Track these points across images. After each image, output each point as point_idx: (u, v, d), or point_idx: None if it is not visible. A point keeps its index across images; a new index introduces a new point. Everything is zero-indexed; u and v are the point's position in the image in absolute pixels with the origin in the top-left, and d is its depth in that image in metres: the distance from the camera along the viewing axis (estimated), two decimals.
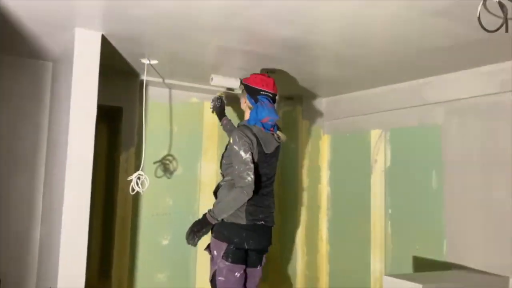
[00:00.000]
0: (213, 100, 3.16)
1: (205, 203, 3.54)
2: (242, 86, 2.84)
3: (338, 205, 3.78)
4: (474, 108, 2.78)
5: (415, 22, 2.08)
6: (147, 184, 2.76)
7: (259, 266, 2.82)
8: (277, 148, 2.81)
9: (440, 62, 2.72)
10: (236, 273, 2.69)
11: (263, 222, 2.71)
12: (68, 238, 2.21)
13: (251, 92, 2.76)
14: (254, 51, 2.63)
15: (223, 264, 2.68)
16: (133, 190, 2.73)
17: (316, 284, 3.81)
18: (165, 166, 3.43)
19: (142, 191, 2.74)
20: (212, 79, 3.03)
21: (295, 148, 3.82)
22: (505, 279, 2.49)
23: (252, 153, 2.59)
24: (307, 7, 1.94)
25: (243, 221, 2.65)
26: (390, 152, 3.34)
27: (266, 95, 2.71)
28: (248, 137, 2.62)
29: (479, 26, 1.63)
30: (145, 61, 2.88)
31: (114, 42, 2.53)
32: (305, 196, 3.83)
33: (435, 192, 2.97)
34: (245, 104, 2.81)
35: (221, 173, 2.83)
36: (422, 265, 2.98)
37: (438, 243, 2.91)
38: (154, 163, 3.37)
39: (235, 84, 3.08)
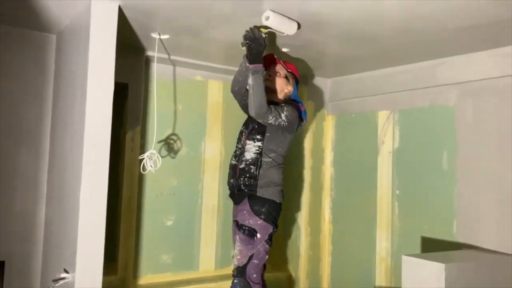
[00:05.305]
0: (251, 38, 2.43)
1: (209, 183, 3.49)
2: (289, 73, 2.89)
3: (342, 186, 3.77)
4: (489, 89, 2.79)
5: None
6: (159, 163, 2.68)
7: None
8: None
9: (457, 43, 2.69)
10: (267, 256, 2.70)
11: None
12: (86, 218, 2.12)
13: (297, 82, 2.97)
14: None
15: (263, 248, 2.62)
16: (144, 169, 2.65)
17: (319, 264, 3.82)
18: (169, 145, 3.34)
19: (155, 170, 2.66)
20: (268, 17, 2.29)
21: (299, 129, 3.77)
22: None
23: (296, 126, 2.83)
24: None
25: (281, 199, 2.75)
26: (398, 133, 3.33)
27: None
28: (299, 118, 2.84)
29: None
30: (155, 35, 2.76)
31: (128, 14, 2.41)
32: (308, 177, 3.81)
33: (446, 173, 2.99)
34: (285, 88, 2.86)
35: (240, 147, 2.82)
36: (431, 245, 3.01)
37: (448, 224, 2.94)
38: (159, 142, 3.27)
39: (292, 29, 2.45)
